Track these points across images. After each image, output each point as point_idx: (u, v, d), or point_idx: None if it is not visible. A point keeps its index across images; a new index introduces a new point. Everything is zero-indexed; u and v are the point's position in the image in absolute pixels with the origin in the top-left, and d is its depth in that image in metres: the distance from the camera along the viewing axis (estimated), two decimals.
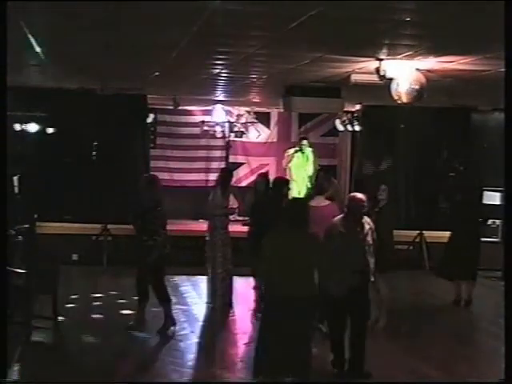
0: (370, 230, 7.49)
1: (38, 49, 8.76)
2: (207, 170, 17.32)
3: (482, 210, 11.90)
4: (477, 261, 11.27)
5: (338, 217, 7.65)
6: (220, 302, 10.52)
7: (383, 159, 15.78)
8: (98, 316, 9.91)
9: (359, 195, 7.54)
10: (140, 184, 9.41)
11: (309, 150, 16.25)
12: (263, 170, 16.41)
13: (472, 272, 11.15)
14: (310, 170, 15.92)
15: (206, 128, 16.85)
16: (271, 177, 11.95)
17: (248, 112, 16.91)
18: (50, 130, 14.93)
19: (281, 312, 6.43)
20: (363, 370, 7.49)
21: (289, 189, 11.03)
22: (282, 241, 6.62)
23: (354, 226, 7.41)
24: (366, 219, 7.55)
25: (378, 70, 8.60)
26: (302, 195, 14.73)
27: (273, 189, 10.51)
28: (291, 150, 16.26)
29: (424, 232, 14.56)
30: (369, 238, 7.43)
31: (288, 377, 6.62)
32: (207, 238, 10.67)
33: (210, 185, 15.34)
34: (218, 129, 16.79)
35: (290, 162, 16.19)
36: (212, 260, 10.57)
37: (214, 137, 16.96)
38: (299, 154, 16.16)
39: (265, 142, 17.57)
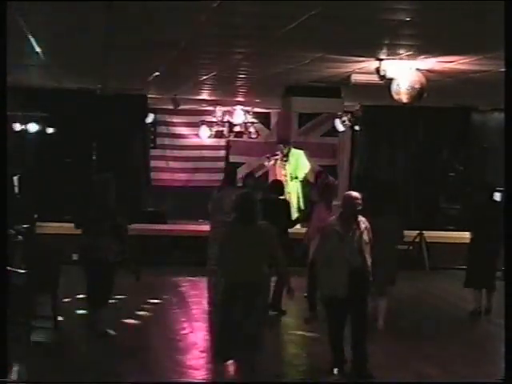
0: (366, 229, 7.48)
1: (37, 49, 8.76)
2: (207, 170, 17.32)
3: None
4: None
5: (334, 216, 7.67)
6: None
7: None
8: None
9: (353, 193, 7.54)
10: (97, 184, 9.15)
11: (294, 152, 15.92)
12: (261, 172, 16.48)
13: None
14: (298, 171, 15.41)
15: (205, 128, 16.86)
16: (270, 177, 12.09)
17: (248, 112, 16.92)
18: (50, 130, 14.93)
19: (234, 298, 6.88)
20: (366, 370, 7.48)
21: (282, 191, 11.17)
22: (235, 232, 7.02)
23: (350, 225, 7.41)
24: (362, 218, 7.54)
25: (378, 70, 8.60)
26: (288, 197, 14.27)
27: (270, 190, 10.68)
28: (268, 161, 16.00)
29: (424, 232, 14.55)
30: (365, 237, 7.43)
31: (241, 356, 7.05)
32: (211, 237, 10.60)
33: (210, 185, 15.37)
34: (218, 129, 16.80)
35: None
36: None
37: (214, 137, 16.97)
38: (278, 161, 15.81)
39: (265, 142, 17.56)
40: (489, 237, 10.52)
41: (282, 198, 10.87)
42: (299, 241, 10.41)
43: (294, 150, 15.48)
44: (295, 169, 15.19)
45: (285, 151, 15.31)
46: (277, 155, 15.38)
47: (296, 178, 15.04)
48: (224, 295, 7.09)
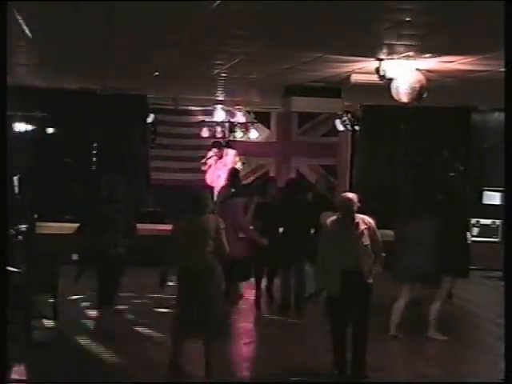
0: (367, 230, 7.46)
1: (38, 49, 8.76)
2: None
3: (466, 208, 11.67)
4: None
5: (332, 217, 7.69)
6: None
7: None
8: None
9: (349, 194, 7.58)
10: (105, 185, 9.19)
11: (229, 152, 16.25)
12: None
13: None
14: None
15: (206, 128, 16.86)
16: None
17: (248, 112, 16.91)
18: (50, 130, 14.94)
19: (187, 281, 7.34)
20: (364, 371, 7.48)
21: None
22: (186, 223, 7.61)
23: (346, 226, 7.43)
24: (365, 219, 7.54)
25: (377, 70, 8.60)
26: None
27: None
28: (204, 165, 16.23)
29: None
30: (363, 238, 7.41)
31: (199, 336, 7.45)
32: None
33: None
34: (218, 129, 16.81)
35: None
36: None
37: (214, 137, 16.98)
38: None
39: (265, 142, 17.57)
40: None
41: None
42: None
43: (229, 150, 16.09)
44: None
45: (219, 152, 15.88)
46: (210, 157, 15.91)
47: None
48: (177, 280, 7.52)
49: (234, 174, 11.51)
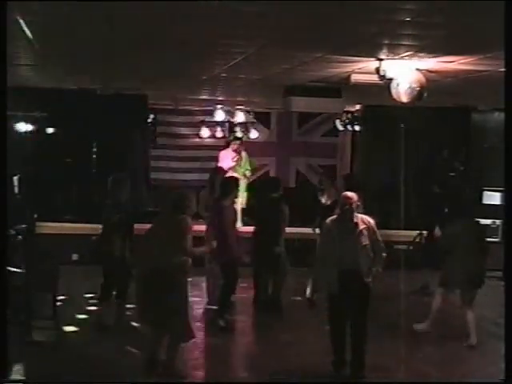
0: (367, 230, 7.46)
1: (37, 48, 8.76)
2: (207, 170, 17.30)
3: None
4: None
5: (332, 216, 7.72)
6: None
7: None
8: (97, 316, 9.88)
9: (348, 194, 7.58)
10: (113, 183, 9.24)
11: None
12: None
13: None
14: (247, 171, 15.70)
15: (205, 128, 16.87)
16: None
17: (248, 112, 16.91)
18: (50, 130, 14.95)
19: (152, 280, 7.30)
20: (363, 371, 7.48)
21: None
22: (158, 223, 7.74)
23: (346, 225, 7.44)
24: (364, 218, 7.54)
25: (377, 70, 8.60)
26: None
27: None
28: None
29: (424, 232, 14.56)
30: (362, 238, 7.41)
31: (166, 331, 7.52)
32: None
33: None
34: (218, 129, 16.81)
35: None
36: None
37: (214, 137, 16.98)
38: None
39: (265, 142, 17.58)
40: None
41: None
42: None
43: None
44: (245, 169, 15.34)
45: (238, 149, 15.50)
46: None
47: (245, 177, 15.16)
48: (139, 281, 7.52)
49: (214, 176, 11.43)
